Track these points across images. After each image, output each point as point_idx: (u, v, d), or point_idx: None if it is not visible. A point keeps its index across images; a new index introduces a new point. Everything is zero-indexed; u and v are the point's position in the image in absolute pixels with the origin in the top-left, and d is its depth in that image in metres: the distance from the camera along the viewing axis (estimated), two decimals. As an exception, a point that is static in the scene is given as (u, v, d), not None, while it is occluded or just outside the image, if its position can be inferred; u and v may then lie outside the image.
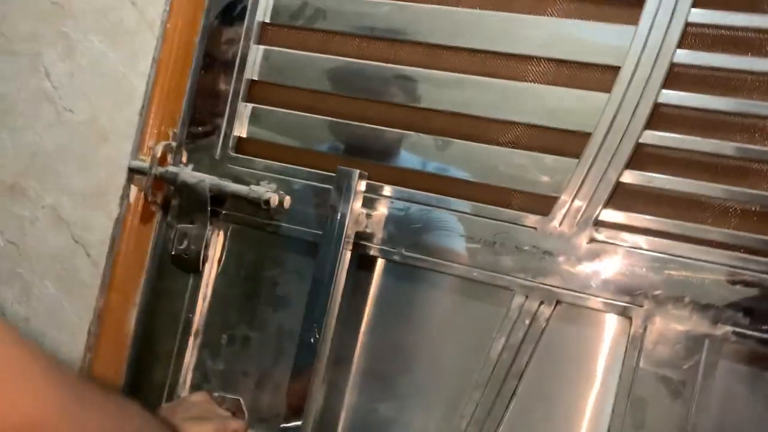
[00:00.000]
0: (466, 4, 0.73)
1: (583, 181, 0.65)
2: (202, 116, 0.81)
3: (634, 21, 0.65)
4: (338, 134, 0.78)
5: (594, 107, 0.65)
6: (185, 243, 0.79)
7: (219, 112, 0.80)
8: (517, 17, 0.70)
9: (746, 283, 0.59)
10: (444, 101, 0.72)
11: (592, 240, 0.65)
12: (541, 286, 0.66)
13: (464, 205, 0.70)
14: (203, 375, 0.80)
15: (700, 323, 0.61)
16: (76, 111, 0.84)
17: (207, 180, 0.76)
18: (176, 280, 0.81)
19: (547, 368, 0.67)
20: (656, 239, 0.63)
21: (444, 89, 0.72)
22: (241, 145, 0.81)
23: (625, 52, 0.64)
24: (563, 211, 0.66)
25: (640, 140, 0.64)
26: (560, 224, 0.66)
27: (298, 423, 0.69)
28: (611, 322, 0.65)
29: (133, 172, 0.80)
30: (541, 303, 0.66)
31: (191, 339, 0.80)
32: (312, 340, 0.69)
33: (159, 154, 0.79)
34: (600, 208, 0.65)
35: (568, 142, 0.67)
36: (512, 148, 0.70)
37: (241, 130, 0.80)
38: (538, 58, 0.69)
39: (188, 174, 0.77)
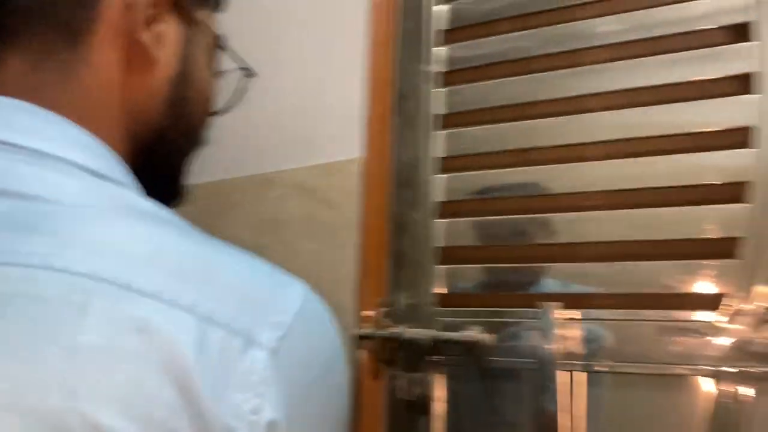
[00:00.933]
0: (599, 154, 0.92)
1: (750, 276, 0.79)
2: (405, 283, 1.01)
3: (750, 143, 0.82)
4: (513, 275, 0.96)
5: (740, 214, 0.81)
6: (416, 390, 0.96)
7: (418, 276, 1.00)
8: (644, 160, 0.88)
9: None
10: (609, 234, 0.89)
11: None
12: (740, 369, 0.78)
13: (647, 313, 0.85)
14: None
15: None
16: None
17: (429, 333, 0.94)
18: (411, 424, 0.97)
19: (764, 440, 0.77)
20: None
21: (609, 224, 0.90)
22: (442, 300, 0.99)
23: (748, 169, 0.81)
24: (739, 303, 0.79)
25: (787, 234, 0.78)
26: (739, 314, 0.79)
27: None
28: (810, 390, 0.76)
29: (361, 338, 0.99)
30: (742, 384, 0.78)
31: (435, 471, 0.94)
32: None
33: (381, 320, 0.98)
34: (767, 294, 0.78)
35: (722, 248, 0.82)
36: (677, 260, 0.85)
37: (438, 288, 0.99)
38: (685, 187, 0.86)
39: (411, 331, 0.96)
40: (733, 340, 0.79)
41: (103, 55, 0.45)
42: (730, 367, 0.79)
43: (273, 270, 0.40)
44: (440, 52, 1.05)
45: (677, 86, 0.88)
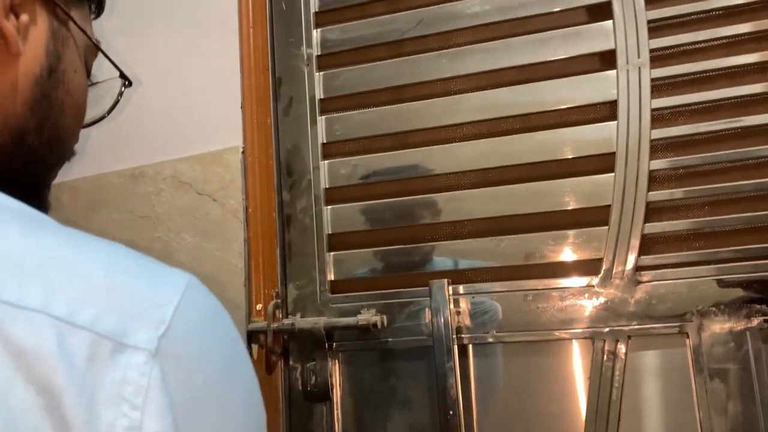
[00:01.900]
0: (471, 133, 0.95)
1: (617, 241, 0.86)
2: (296, 272, 0.99)
3: (613, 116, 0.88)
4: (402, 257, 0.97)
5: (606, 184, 0.87)
6: (313, 379, 0.95)
7: (309, 265, 0.99)
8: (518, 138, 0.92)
9: (762, 282, 0.80)
10: (490, 210, 0.93)
11: (639, 282, 0.84)
12: (613, 329, 0.84)
13: (530, 283, 0.89)
14: (356, 485, 0.94)
15: (738, 321, 0.80)
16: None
17: (321, 321, 0.93)
18: (311, 412, 0.96)
19: (637, 390, 0.84)
20: (685, 268, 0.83)
21: (487, 201, 0.93)
22: (333, 286, 0.98)
23: (615, 140, 0.87)
24: (610, 267, 0.86)
25: (648, 200, 0.85)
26: (611, 277, 0.85)
27: (459, 496, 0.84)
28: (674, 340, 0.84)
29: (251, 333, 0.96)
30: (617, 342, 0.84)
31: (338, 457, 0.94)
32: (448, 418, 0.85)
33: (272, 313, 0.96)
34: (635, 257, 0.85)
35: (595, 216, 0.88)
36: (553, 230, 0.90)
37: (330, 275, 0.98)
38: (555, 161, 0.91)
39: (302, 321, 0.94)
40: (606, 301, 0.86)
41: None
42: (605, 327, 0.85)
43: (148, 261, 0.34)
44: (316, 34, 1.03)
45: (543, 65, 0.93)
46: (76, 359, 0.28)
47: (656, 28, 0.87)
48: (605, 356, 0.85)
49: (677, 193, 0.85)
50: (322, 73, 1.02)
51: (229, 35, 1.02)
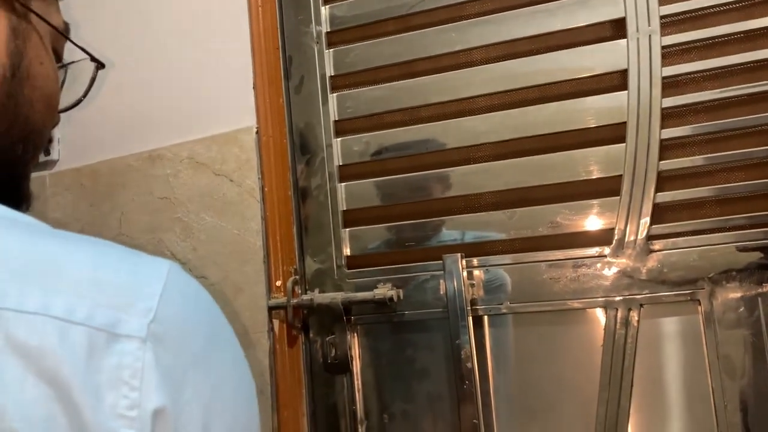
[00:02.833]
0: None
1: (629, 210, 0.86)
2: (313, 249, 1.02)
3: (624, 85, 0.87)
4: (416, 231, 0.99)
5: (618, 154, 0.87)
6: (333, 351, 0.98)
7: (326, 242, 1.01)
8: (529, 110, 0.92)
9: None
10: (503, 183, 0.94)
11: (651, 251, 0.85)
12: (626, 297, 0.86)
13: (543, 254, 0.91)
14: (378, 452, 0.97)
15: (750, 287, 0.81)
16: (209, 276, 1.03)
17: (338, 296, 0.96)
18: (332, 383, 0.99)
19: (650, 357, 0.86)
20: (697, 236, 0.84)
21: (500, 174, 0.94)
22: (350, 261, 1.01)
23: (626, 109, 0.87)
24: (622, 236, 0.86)
25: (660, 169, 0.85)
26: (623, 246, 0.86)
27: (476, 461, 0.87)
28: (686, 307, 0.85)
29: (272, 309, 0.99)
30: (630, 310, 0.86)
31: (359, 427, 0.98)
32: (464, 387, 0.87)
33: (291, 289, 0.98)
34: (647, 225, 0.85)
35: (607, 186, 0.88)
36: (565, 201, 0.91)
37: (346, 251, 1.00)
38: (566, 132, 0.91)
39: (321, 297, 0.97)
40: (618, 270, 0.87)
41: None
42: (617, 296, 0.86)
43: (132, 254, 0.37)
44: (324, 11, 1.03)
45: (552, 35, 0.92)
46: (77, 352, 0.31)
47: (667, -6, 0.86)
48: (618, 324, 0.86)
49: (688, 161, 0.85)
50: (332, 50, 1.03)
51: (239, 16, 1.03)
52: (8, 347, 0.30)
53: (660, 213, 0.86)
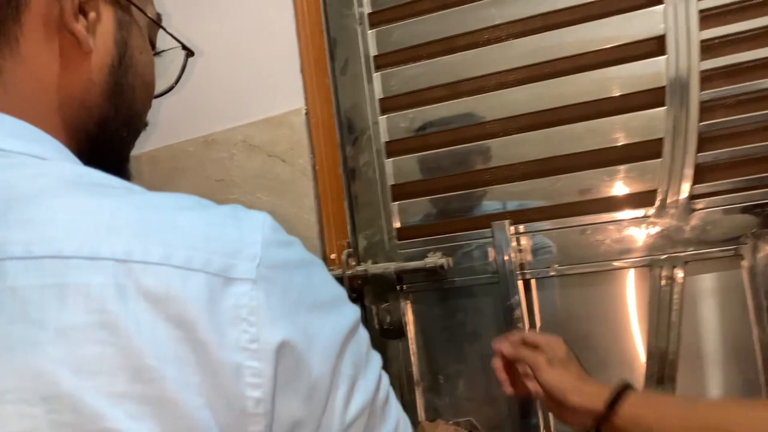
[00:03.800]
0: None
1: (670, 172, 0.89)
2: (364, 223, 1.07)
3: (662, 51, 0.90)
4: (462, 201, 1.03)
5: (658, 118, 0.90)
6: (387, 318, 1.03)
7: (376, 215, 1.06)
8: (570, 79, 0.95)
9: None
10: (544, 151, 0.97)
11: (693, 210, 0.88)
12: (670, 255, 0.89)
13: (587, 218, 0.94)
14: (435, 411, 1.03)
15: (793, 241, 0.84)
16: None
17: (391, 266, 1.01)
18: (388, 348, 1.05)
19: (696, 312, 0.89)
20: (738, 194, 0.86)
21: (552, 143, 0.97)
22: (400, 233, 1.06)
23: (664, 74, 0.89)
24: (665, 197, 0.90)
25: (700, 130, 0.88)
26: (665, 207, 0.90)
27: (532, 420, 0.92)
28: (729, 263, 0.88)
29: (329, 280, 1.04)
30: (674, 267, 0.89)
31: (416, 389, 1.03)
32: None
33: (346, 261, 1.04)
34: (689, 186, 0.88)
35: (648, 149, 0.91)
36: (607, 166, 0.94)
37: (396, 223, 1.05)
38: (606, 99, 0.94)
39: (374, 267, 1.02)
40: (662, 230, 0.90)
41: (32, 47, 0.43)
42: (662, 254, 0.90)
43: (232, 209, 0.40)
44: (365, -7, 1.07)
45: (589, 5, 0.95)
46: (199, 296, 0.34)
47: (703, -42, 0.88)
48: (663, 281, 0.90)
49: (728, 121, 0.87)
50: (374, 30, 1.07)
51: (284, 3, 1.08)
52: (140, 295, 0.33)
53: (701, 173, 0.89)
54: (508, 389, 0.79)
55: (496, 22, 1.00)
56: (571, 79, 0.96)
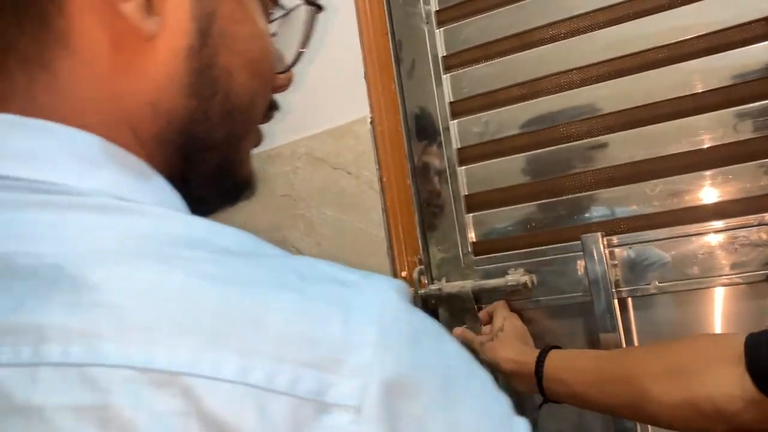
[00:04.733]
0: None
1: (795, 173, 0.76)
2: (436, 237, 0.98)
3: (779, 33, 0.77)
4: (546, 211, 0.93)
5: (776, 111, 0.77)
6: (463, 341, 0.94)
7: (449, 229, 0.97)
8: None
9: None
10: (638, 153, 0.86)
11: (825, 216, 0.75)
12: (797, 269, 0.76)
13: (692, 228, 0.82)
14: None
15: None
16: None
17: (468, 285, 0.92)
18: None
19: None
20: None
21: (646, 144, 0.86)
22: (476, 248, 0.96)
23: (783, 59, 0.77)
24: (789, 202, 0.77)
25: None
26: (790, 213, 0.77)
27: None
28: None
29: (400, 301, 0.96)
30: (802, 283, 0.76)
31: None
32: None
33: (418, 279, 0.96)
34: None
35: (763, 147, 0.79)
36: (712, 168, 0.82)
37: (471, 237, 0.96)
38: (707, 92, 0.82)
39: (449, 286, 0.94)
40: (786, 240, 0.77)
41: (82, 38, 0.34)
42: (787, 268, 0.77)
43: (338, 287, 0.30)
44: (431, -10, 0.99)
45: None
46: (280, 429, 0.25)
47: None
48: (789, 300, 0.77)
49: None
50: (442, 29, 0.99)
51: (346, 6, 1.01)
52: (198, 419, 0.25)
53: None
54: None
55: (578, 12, 0.90)
56: (666, 71, 0.84)
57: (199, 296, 0.27)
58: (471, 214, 0.97)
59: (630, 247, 0.85)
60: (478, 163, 0.96)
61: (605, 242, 0.84)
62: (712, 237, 0.81)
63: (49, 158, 0.32)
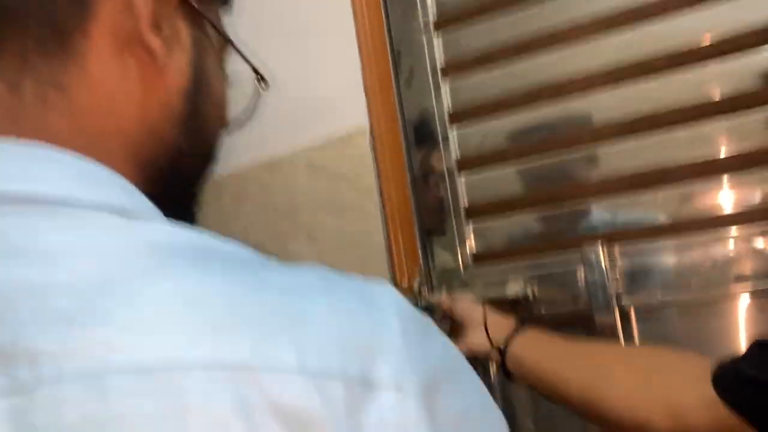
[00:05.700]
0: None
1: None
2: (437, 247, 0.97)
3: (782, 38, 0.76)
4: (547, 221, 0.92)
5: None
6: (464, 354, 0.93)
7: (450, 238, 0.96)
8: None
9: None
10: (645, 161, 0.85)
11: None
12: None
13: (698, 239, 0.81)
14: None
15: None
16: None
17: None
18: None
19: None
20: None
21: (651, 152, 0.84)
22: (476, 258, 0.95)
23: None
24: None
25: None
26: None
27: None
28: None
29: (400, 312, 0.95)
30: (809, 294, 0.74)
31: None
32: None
33: (418, 290, 0.95)
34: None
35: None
36: (726, 172, 0.80)
37: (472, 247, 0.95)
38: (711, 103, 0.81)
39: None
40: (792, 250, 0.75)
41: (102, 64, 0.36)
42: (794, 278, 0.75)
43: (355, 284, 0.33)
44: (430, -1, 0.99)
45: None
46: (338, 411, 0.27)
47: None
48: (796, 312, 0.75)
49: None
50: (441, 38, 0.98)
51: (344, 17, 1.01)
52: (271, 415, 0.26)
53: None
54: None
55: (578, 19, 0.88)
56: (669, 79, 0.83)
57: (241, 299, 0.29)
58: (471, 224, 0.96)
59: (632, 258, 0.84)
60: (479, 172, 0.95)
61: (606, 252, 0.83)
62: (718, 246, 0.79)
63: (51, 177, 0.33)
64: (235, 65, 0.51)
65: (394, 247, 0.98)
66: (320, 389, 0.27)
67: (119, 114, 0.37)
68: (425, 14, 0.98)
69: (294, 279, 0.31)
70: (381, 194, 0.98)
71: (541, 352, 0.72)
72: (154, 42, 0.37)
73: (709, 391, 0.57)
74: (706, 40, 0.81)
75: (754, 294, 0.78)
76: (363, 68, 1.00)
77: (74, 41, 0.35)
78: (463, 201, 0.96)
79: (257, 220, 1.10)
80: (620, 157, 0.86)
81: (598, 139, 0.87)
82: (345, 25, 1.01)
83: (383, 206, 0.98)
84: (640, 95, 0.84)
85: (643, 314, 0.85)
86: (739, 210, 0.79)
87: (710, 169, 0.81)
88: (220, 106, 0.45)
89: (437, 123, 0.97)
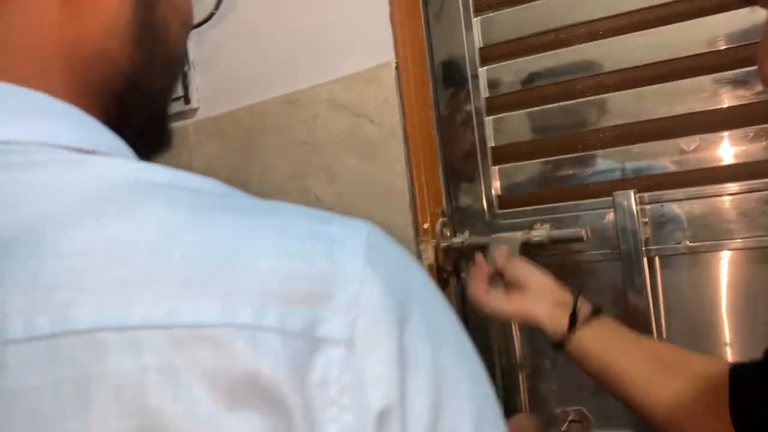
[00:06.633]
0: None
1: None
2: (461, 189, 0.96)
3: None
4: (576, 166, 0.90)
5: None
6: (487, 296, 0.93)
7: (475, 181, 0.95)
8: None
9: None
10: (676, 108, 0.82)
11: None
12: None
13: (727, 187, 0.79)
14: (539, 399, 0.93)
15: None
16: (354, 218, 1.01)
17: (488, 239, 0.90)
18: (486, 326, 0.95)
19: None
20: None
21: (681, 98, 0.82)
22: (501, 201, 0.94)
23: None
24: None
25: None
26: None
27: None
28: None
29: (422, 252, 0.95)
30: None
31: (519, 374, 0.94)
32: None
33: (440, 231, 0.94)
34: None
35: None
36: (752, 125, 0.78)
37: (497, 190, 0.94)
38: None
39: (473, 239, 0.92)
40: (828, 202, 0.74)
41: None
42: (827, 231, 0.74)
43: (317, 223, 0.29)
44: (463, -74, 0.93)
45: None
46: (277, 367, 0.25)
47: None
48: (826, 264, 0.75)
49: None
50: (472, -31, 0.93)
51: (372, -59, 0.96)
52: (194, 378, 0.24)
53: None
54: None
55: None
56: (707, 20, 0.79)
57: (171, 245, 0.26)
58: (497, 167, 0.94)
59: (661, 206, 0.83)
60: (507, 113, 0.93)
61: (638, 199, 0.81)
62: (748, 197, 0.79)
63: None
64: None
65: (416, 188, 0.96)
66: (253, 343, 0.24)
67: (58, 41, 0.34)
68: (457, -57, 0.93)
69: (245, 213, 0.29)
70: (405, 133, 0.96)
71: (609, 352, 0.68)
72: None
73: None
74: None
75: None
76: None
77: None
78: (490, 143, 0.94)
79: (277, 155, 1.07)
80: (655, 101, 0.83)
81: (631, 83, 0.85)
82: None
83: (407, 146, 0.96)
84: (677, 37, 0.81)
85: (668, 262, 0.84)
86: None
87: (747, 119, 0.79)
88: (182, 7, 0.40)
89: (467, 60, 0.94)
